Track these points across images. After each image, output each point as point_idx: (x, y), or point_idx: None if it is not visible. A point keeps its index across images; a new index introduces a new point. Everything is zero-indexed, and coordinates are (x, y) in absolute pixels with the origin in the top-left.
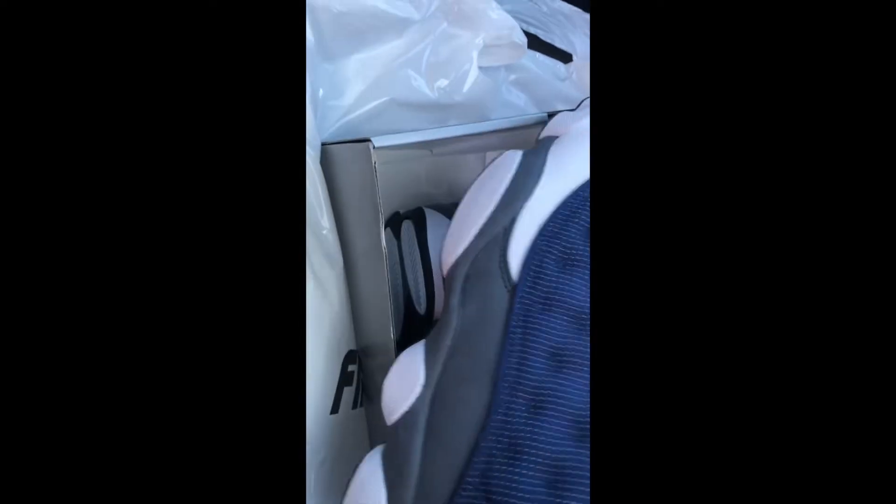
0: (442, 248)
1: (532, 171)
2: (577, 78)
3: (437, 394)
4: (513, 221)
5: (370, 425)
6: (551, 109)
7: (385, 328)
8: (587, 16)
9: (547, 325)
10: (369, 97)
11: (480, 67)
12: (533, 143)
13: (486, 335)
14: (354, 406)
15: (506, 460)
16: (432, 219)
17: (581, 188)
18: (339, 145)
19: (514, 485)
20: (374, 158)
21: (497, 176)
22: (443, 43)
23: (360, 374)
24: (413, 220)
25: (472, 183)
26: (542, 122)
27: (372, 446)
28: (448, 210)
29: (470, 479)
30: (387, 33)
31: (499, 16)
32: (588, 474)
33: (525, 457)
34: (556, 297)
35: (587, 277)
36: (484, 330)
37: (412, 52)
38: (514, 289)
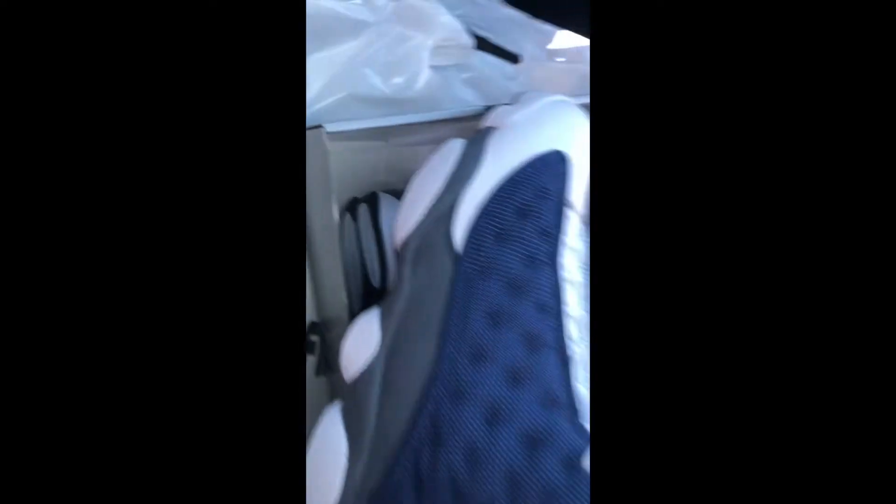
0: (394, 224)
1: (473, 158)
2: (525, 77)
3: (392, 351)
4: (456, 201)
5: (333, 391)
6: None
7: (341, 301)
8: (534, 21)
9: (485, 289)
10: (329, 92)
11: (432, 66)
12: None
13: (434, 299)
14: (317, 374)
15: (451, 403)
16: (386, 202)
17: (515, 174)
18: None
19: (458, 423)
20: (325, 142)
21: (442, 161)
22: (397, 44)
23: (322, 345)
24: (368, 203)
25: (426, 163)
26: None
27: None
28: (402, 195)
29: (421, 421)
30: (345, 34)
31: (447, 20)
32: (518, 411)
33: (467, 399)
34: (493, 266)
35: (519, 250)
36: (432, 294)
37: (368, 52)
38: (457, 259)
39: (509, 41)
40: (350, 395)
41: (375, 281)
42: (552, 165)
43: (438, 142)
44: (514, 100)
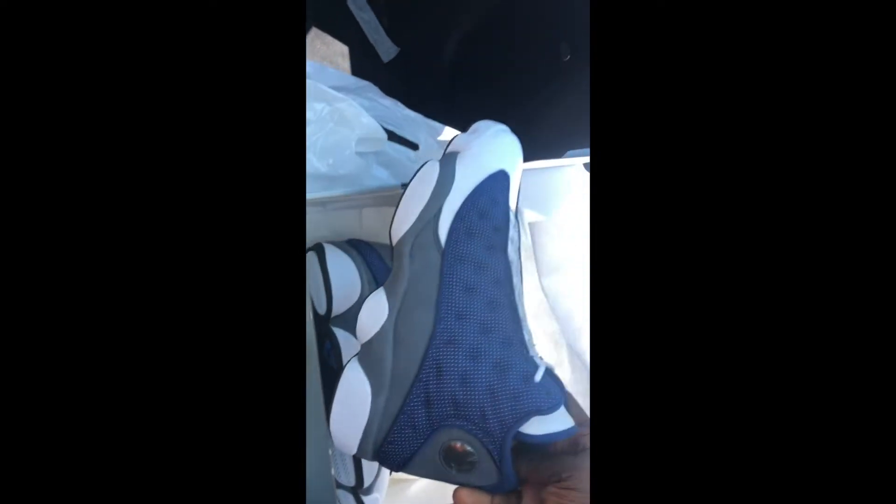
0: (392, 225)
1: (447, 178)
2: (423, 160)
3: (399, 319)
4: (439, 210)
5: None
6: (405, 181)
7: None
8: (427, 119)
9: (461, 271)
10: None
11: (357, 152)
12: (389, 200)
13: (428, 281)
14: None
15: (446, 349)
16: (330, 250)
17: (477, 187)
18: None
19: (452, 361)
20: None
21: (426, 181)
22: (330, 136)
23: None
24: (316, 251)
25: (409, 182)
26: (398, 188)
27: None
28: (338, 245)
29: (427, 363)
30: None
31: (368, 121)
32: (489, 350)
33: (457, 345)
34: (466, 255)
35: (482, 242)
36: (426, 278)
37: (310, 141)
38: (443, 252)
39: (410, 134)
40: (366, 351)
41: (321, 309)
42: (500, 181)
43: (356, 207)
44: (469, 130)
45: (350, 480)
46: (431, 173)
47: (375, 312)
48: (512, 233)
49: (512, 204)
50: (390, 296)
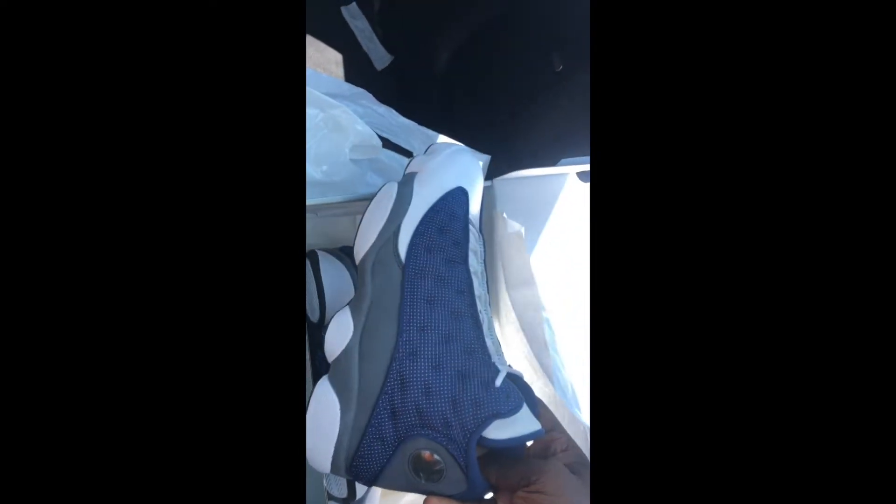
0: (354, 245)
1: (405, 197)
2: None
3: (364, 335)
4: (398, 228)
5: None
6: None
7: None
8: (421, 127)
9: (422, 285)
10: None
11: (351, 160)
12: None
13: (390, 296)
14: None
15: (410, 361)
16: (323, 257)
17: (435, 204)
18: None
19: (414, 373)
20: None
21: (385, 201)
22: (324, 142)
23: None
24: (309, 258)
25: (369, 204)
26: None
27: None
28: (332, 252)
29: (391, 376)
30: None
31: (362, 128)
32: (451, 360)
33: (420, 357)
34: (426, 269)
35: (442, 256)
36: (388, 293)
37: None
38: (403, 267)
39: (404, 141)
40: (335, 368)
41: (314, 317)
42: (458, 197)
43: (350, 214)
44: (426, 151)
45: (342, 492)
46: (390, 193)
47: (341, 330)
48: (475, 245)
49: (474, 218)
50: (355, 313)
